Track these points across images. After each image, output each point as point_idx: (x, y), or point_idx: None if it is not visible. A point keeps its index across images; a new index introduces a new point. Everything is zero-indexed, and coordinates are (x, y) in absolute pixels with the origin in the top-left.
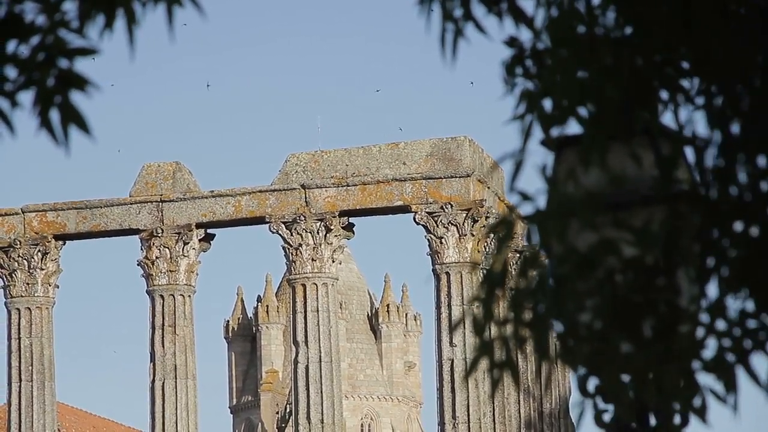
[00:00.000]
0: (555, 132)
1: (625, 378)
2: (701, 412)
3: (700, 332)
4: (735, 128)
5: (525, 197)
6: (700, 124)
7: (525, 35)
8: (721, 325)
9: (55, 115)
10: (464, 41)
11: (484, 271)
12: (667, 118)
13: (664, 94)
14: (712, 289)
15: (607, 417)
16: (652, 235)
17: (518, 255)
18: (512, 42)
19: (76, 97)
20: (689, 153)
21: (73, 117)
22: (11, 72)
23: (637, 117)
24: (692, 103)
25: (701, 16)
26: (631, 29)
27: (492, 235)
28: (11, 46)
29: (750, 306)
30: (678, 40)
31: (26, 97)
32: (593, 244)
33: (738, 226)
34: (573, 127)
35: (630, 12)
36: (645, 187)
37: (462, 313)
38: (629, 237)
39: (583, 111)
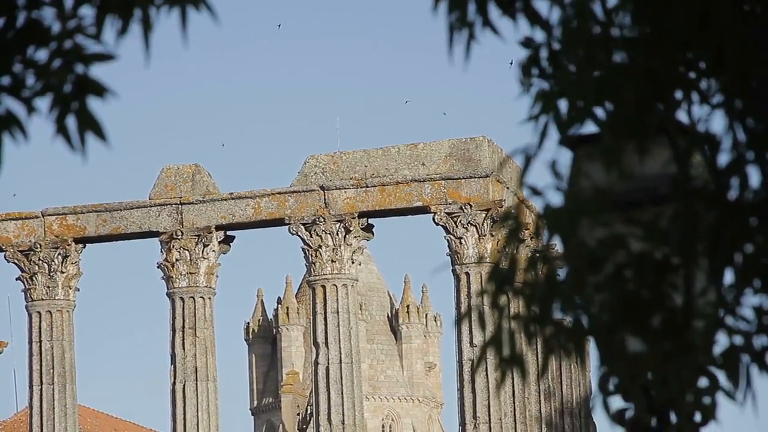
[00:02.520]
0: (571, 131)
1: (642, 376)
2: (711, 410)
3: (711, 328)
4: (750, 126)
5: (535, 192)
6: (715, 122)
7: (539, 35)
8: (733, 321)
9: (71, 121)
10: (476, 44)
11: (492, 266)
12: (683, 118)
13: (681, 94)
14: (726, 285)
15: (627, 415)
16: (660, 230)
17: (522, 242)
18: (528, 43)
19: (93, 103)
20: (704, 151)
21: (89, 123)
22: (29, 78)
23: (653, 116)
24: (708, 102)
25: (718, 15)
26: (648, 29)
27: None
28: (30, 51)
29: (764, 302)
30: (694, 40)
31: (44, 102)
32: (602, 240)
33: (753, 221)
34: (589, 127)
35: (646, 12)
36: (659, 184)
37: (468, 307)
38: (638, 232)
39: (599, 111)
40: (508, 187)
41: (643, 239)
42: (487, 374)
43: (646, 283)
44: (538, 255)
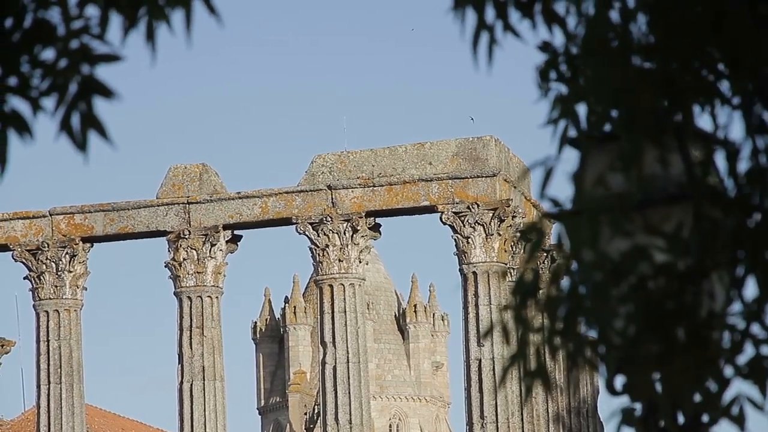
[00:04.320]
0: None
1: (654, 377)
2: (739, 420)
3: (735, 338)
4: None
5: (556, 204)
6: (734, 127)
7: (558, 38)
8: (757, 330)
9: (75, 120)
10: (499, 48)
11: (515, 279)
12: (704, 124)
13: (699, 99)
14: (748, 294)
15: (635, 415)
16: (683, 241)
17: (545, 254)
18: (545, 47)
19: (99, 104)
20: (722, 156)
21: (92, 123)
22: (35, 77)
23: (670, 120)
24: (728, 104)
25: (732, 19)
26: (663, 33)
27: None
28: (36, 51)
29: None
30: (709, 43)
31: (50, 101)
32: (625, 251)
33: None
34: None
35: (661, 16)
36: (674, 189)
37: (491, 318)
38: (661, 243)
39: (615, 114)
40: (515, 187)
41: (666, 250)
42: (494, 374)
43: (670, 294)
44: (560, 267)
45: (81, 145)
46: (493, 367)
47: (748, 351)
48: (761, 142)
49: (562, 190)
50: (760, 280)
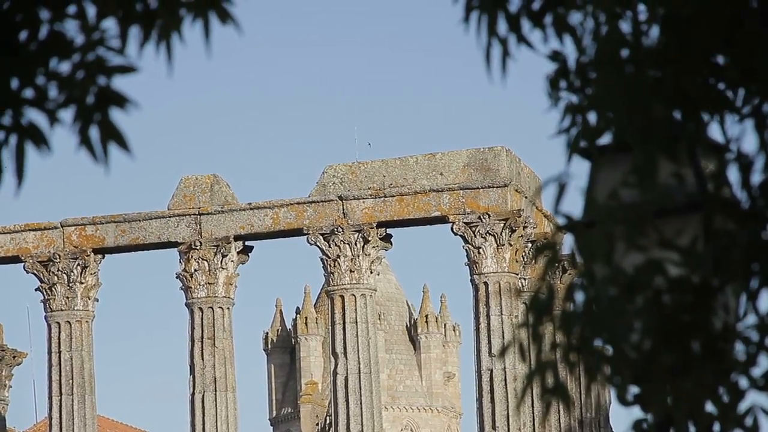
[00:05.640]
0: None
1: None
2: (753, 431)
3: (750, 350)
4: None
5: (570, 220)
6: (747, 138)
7: (568, 47)
8: None
9: (94, 133)
10: (512, 60)
11: (530, 296)
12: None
13: (712, 109)
14: (763, 306)
15: (645, 426)
16: (698, 254)
17: (558, 265)
18: (556, 56)
19: (116, 115)
20: (735, 168)
21: (112, 134)
22: (52, 90)
23: (683, 131)
24: (740, 113)
25: (744, 29)
26: (675, 44)
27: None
28: (53, 63)
29: None
30: (721, 53)
31: (67, 114)
32: (639, 266)
33: None
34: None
35: (673, 28)
36: (687, 199)
37: (503, 331)
38: (675, 257)
39: (626, 125)
40: (526, 197)
41: (681, 264)
42: (505, 384)
43: (685, 308)
44: (575, 283)
45: (101, 157)
46: (505, 377)
47: (763, 363)
48: None
49: (575, 203)
50: None
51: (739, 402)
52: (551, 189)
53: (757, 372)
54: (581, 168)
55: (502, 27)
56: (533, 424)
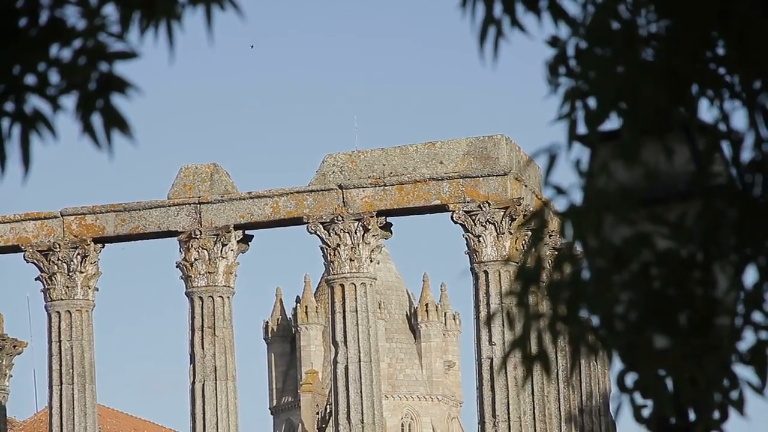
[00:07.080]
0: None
1: (663, 372)
2: (739, 405)
3: (737, 324)
4: None
5: (559, 191)
6: (738, 118)
7: (563, 32)
8: (758, 316)
9: (97, 120)
10: (505, 42)
11: (518, 266)
12: (706, 115)
13: (705, 90)
14: (749, 281)
15: (646, 412)
16: (687, 229)
17: (555, 251)
18: (554, 41)
19: (117, 101)
20: (726, 147)
21: (115, 121)
22: (53, 76)
23: (674, 112)
24: (732, 97)
25: (739, 10)
26: (669, 25)
27: (526, 230)
28: (53, 50)
29: None
30: (716, 35)
31: (68, 100)
32: (628, 238)
33: None
34: (613, 123)
35: (667, 8)
36: (681, 181)
37: (498, 307)
38: (664, 231)
39: (621, 107)
40: (526, 185)
41: (669, 237)
42: (506, 373)
43: (673, 281)
44: (563, 254)
45: (105, 144)
46: (506, 366)
47: (749, 337)
48: (765, 131)
49: (568, 179)
50: (761, 268)
51: (726, 376)
52: (545, 166)
53: (743, 346)
54: (578, 149)
55: (497, 9)
56: (533, 412)
